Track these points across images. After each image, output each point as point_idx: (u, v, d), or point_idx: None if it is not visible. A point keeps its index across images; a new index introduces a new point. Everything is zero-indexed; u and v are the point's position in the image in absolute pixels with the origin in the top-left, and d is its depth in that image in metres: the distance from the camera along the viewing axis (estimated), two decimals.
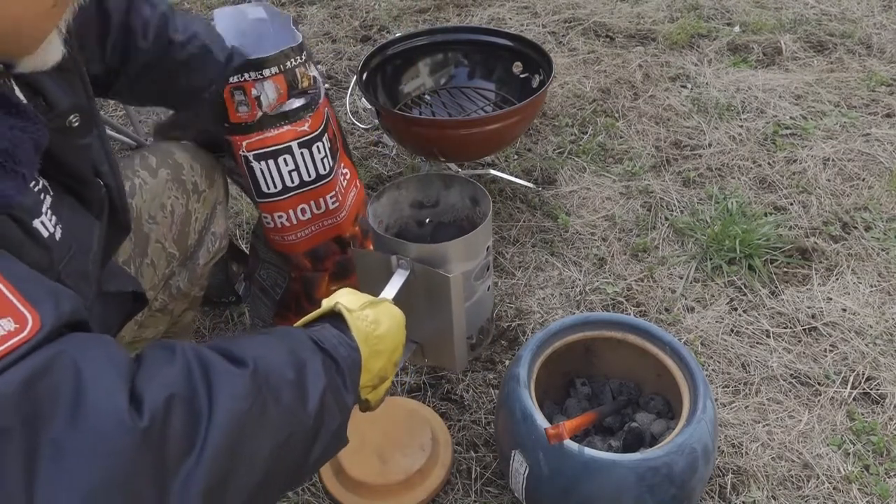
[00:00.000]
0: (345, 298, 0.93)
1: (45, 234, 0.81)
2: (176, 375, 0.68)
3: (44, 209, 0.82)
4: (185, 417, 0.66)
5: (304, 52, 1.31)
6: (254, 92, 1.25)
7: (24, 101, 0.75)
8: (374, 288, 1.15)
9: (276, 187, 1.32)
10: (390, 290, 1.14)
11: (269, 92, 1.26)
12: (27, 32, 0.74)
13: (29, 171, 0.75)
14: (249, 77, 1.25)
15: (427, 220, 1.43)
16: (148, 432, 0.62)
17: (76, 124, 0.89)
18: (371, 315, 0.92)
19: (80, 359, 0.63)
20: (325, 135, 1.34)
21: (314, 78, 1.34)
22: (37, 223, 0.80)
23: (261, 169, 1.30)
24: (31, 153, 0.76)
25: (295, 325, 0.92)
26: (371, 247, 1.40)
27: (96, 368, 0.63)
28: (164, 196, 1.22)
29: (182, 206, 1.25)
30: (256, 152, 1.29)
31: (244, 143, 1.28)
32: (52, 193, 0.86)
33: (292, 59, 1.28)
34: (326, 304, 0.92)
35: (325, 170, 1.34)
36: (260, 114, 1.26)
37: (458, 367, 1.32)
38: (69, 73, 0.92)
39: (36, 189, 0.83)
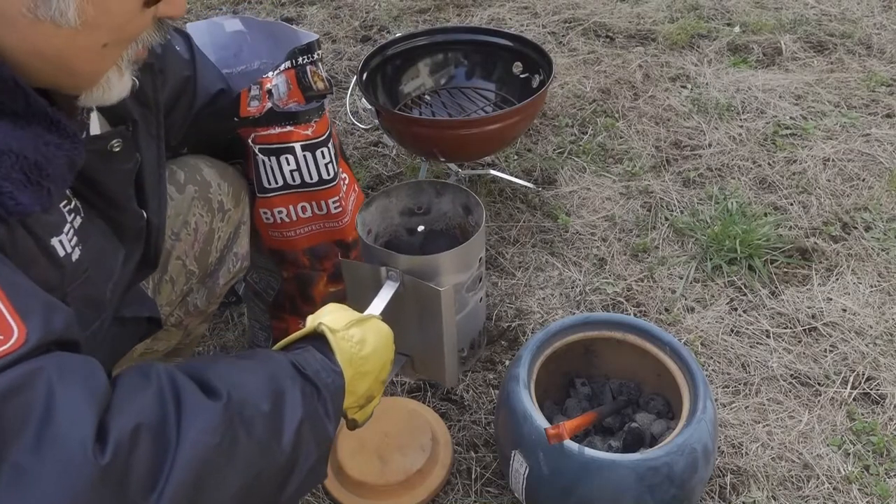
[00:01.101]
0: (329, 317, 0.90)
1: (62, 253, 0.81)
2: (147, 404, 0.67)
3: (66, 229, 0.82)
4: (151, 449, 0.64)
5: (316, 53, 1.31)
6: (268, 86, 1.26)
7: (63, 120, 0.75)
8: (363, 299, 1.14)
9: (277, 183, 1.33)
10: (379, 304, 1.11)
11: (280, 86, 1.27)
12: (79, 67, 0.74)
13: (56, 187, 0.75)
14: (301, 61, 1.29)
15: (418, 228, 1.40)
16: (109, 468, 0.61)
17: (117, 149, 0.89)
18: (357, 335, 0.89)
19: (56, 381, 0.62)
20: (331, 140, 1.35)
21: (328, 80, 1.34)
22: (54, 241, 0.80)
23: (264, 163, 1.31)
24: (64, 170, 0.76)
25: (276, 345, 0.91)
26: None
27: (70, 393, 0.63)
28: (188, 213, 1.20)
29: (206, 224, 1.23)
30: (262, 146, 1.29)
31: (252, 136, 1.29)
32: (82, 215, 0.85)
33: (300, 57, 1.28)
34: (310, 323, 0.90)
35: (328, 175, 1.34)
36: (269, 105, 1.26)
37: (449, 381, 1.29)
38: (148, 111, 0.97)
39: (66, 209, 0.83)
